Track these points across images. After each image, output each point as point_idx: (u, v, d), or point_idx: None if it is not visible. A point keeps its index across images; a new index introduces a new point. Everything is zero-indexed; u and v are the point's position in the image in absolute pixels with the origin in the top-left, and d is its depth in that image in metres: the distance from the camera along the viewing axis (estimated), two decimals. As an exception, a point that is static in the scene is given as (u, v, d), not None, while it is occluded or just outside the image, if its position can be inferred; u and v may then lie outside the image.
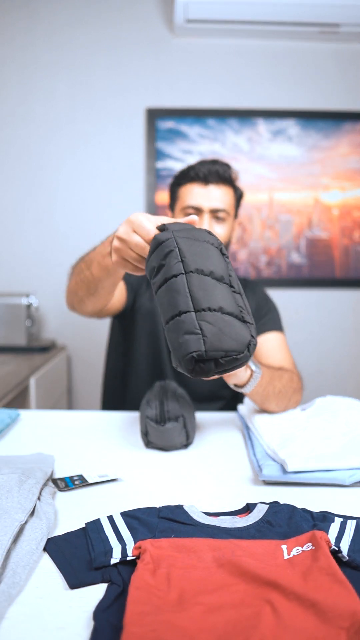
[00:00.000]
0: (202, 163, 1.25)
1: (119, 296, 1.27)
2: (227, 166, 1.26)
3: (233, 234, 1.35)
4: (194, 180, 1.25)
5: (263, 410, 1.07)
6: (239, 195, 1.32)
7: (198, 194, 1.23)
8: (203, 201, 1.23)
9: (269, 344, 1.29)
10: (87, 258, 1.01)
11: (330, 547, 0.58)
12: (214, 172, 1.23)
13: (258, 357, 1.31)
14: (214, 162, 1.25)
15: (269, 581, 0.51)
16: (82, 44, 2.44)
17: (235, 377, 0.94)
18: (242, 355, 0.60)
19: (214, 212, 1.24)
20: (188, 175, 1.26)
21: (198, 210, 1.24)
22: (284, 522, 0.64)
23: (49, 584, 0.55)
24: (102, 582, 0.55)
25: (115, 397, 1.48)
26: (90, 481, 0.79)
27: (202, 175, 1.23)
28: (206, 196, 1.23)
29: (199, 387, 1.31)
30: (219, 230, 1.26)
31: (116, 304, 1.27)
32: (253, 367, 0.96)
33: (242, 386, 0.96)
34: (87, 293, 1.05)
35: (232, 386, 0.97)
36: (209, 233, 0.71)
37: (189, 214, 1.24)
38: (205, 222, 1.23)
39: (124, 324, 1.40)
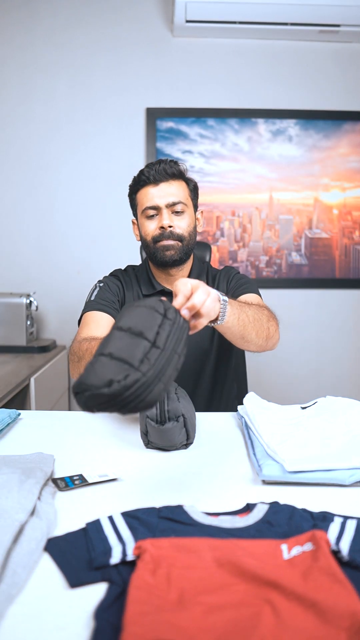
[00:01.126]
0: (149, 166, 1.32)
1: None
2: (173, 162, 1.32)
3: (198, 223, 1.39)
4: (145, 184, 1.31)
5: (245, 344, 1.13)
6: (192, 187, 1.37)
7: (152, 195, 1.30)
8: (158, 199, 1.29)
9: (244, 299, 1.32)
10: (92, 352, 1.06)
11: (330, 547, 0.58)
12: (161, 171, 1.29)
13: None
14: (160, 161, 1.31)
15: (269, 581, 0.51)
16: (82, 44, 2.44)
17: (209, 313, 0.90)
18: (99, 391, 0.63)
19: (171, 207, 1.29)
20: (140, 181, 1.32)
21: (156, 209, 1.29)
22: (284, 522, 0.64)
23: (49, 584, 0.55)
24: (102, 581, 0.55)
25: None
26: (90, 481, 0.79)
27: (152, 177, 1.30)
28: (160, 194, 1.29)
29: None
30: (181, 223, 1.31)
31: None
32: (220, 296, 0.95)
33: (217, 319, 0.95)
34: None
35: (211, 325, 0.97)
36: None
37: (149, 215, 1.31)
38: (165, 218, 1.28)
39: None
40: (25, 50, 2.43)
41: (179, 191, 1.30)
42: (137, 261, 1.68)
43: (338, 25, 2.31)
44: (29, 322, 2.23)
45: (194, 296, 0.80)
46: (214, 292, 0.87)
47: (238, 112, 2.49)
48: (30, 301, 2.24)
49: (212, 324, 0.97)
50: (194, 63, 2.48)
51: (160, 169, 1.29)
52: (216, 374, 1.40)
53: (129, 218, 2.50)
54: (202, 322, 0.82)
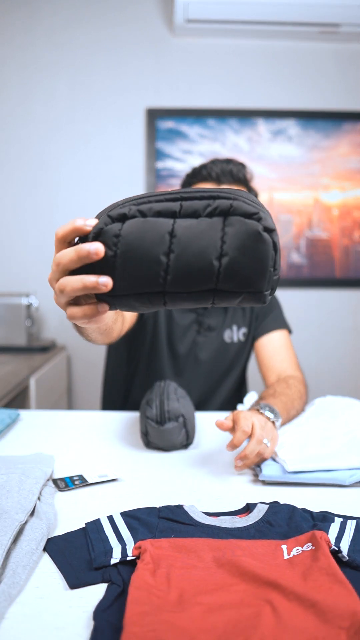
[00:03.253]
0: (215, 162, 1.21)
1: (130, 321, 1.18)
2: (241, 166, 1.22)
3: None
4: (206, 180, 1.21)
5: None
6: (254, 195, 1.29)
7: None
8: None
9: (273, 344, 1.30)
10: None
11: (330, 547, 0.58)
12: (228, 172, 1.19)
13: (263, 358, 1.30)
14: (228, 161, 1.21)
15: (269, 581, 0.51)
16: (82, 44, 2.44)
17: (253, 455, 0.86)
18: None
19: None
20: (200, 174, 1.22)
21: None
22: (284, 522, 0.64)
23: (49, 584, 0.55)
24: (102, 582, 0.55)
25: (115, 397, 1.48)
26: (90, 481, 0.79)
27: (215, 174, 1.19)
28: None
29: (193, 389, 1.31)
30: None
31: (127, 325, 1.16)
32: (272, 418, 0.91)
33: None
34: (89, 339, 0.99)
35: None
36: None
37: None
38: None
39: (131, 329, 1.38)
40: (25, 50, 2.43)
41: None
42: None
43: (338, 25, 2.31)
44: (29, 322, 2.23)
45: (249, 446, 0.81)
46: (270, 432, 0.86)
47: (238, 112, 2.49)
48: (31, 301, 2.24)
49: None
50: (194, 63, 2.48)
51: (227, 170, 1.18)
52: (236, 386, 1.40)
53: (129, 218, 2.52)
54: (247, 463, 0.83)
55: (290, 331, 1.36)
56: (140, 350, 1.36)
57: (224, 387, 1.37)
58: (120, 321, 0.97)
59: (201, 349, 1.33)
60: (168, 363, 1.35)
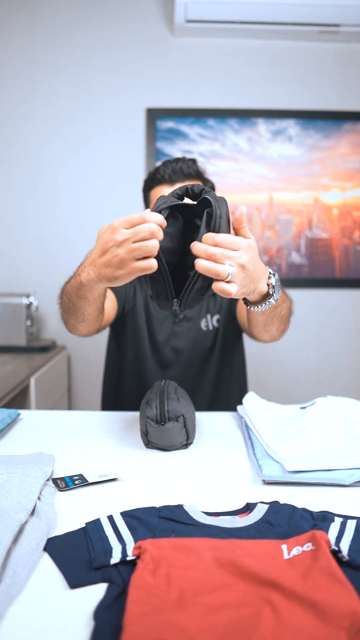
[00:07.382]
0: (166, 164, 1.27)
1: (110, 308, 1.30)
2: (191, 161, 1.27)
3: None
4: (160, 183, 1.27)
5: (260, 334, 1.08)
6: (210, 188, 1.32)
7: None
8: None
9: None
10: (66, 290, 1.01)
11: (330, 547, 0.58)
12: (178, 171, 1.25)
13: (243, 314, 1.31)
14: (178, 160, 1.26)
15: (269, 581, 0.51)
16: (82, 44, 2.44)
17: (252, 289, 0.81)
18: None
19: None
20: (155, 179, 1.28)
21: None
22: (284, 522, 0.64)
23: (49, 584, 0.55)
24: (102, 582, 0.55)
25: (114, 397, 1.48)
26: (90, 481, 0.79)
27: (167, 176, 1.25)
28: None
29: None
30: None
31: (109, 316, 1.30)
32: (272, 281, 0.85)
33: (265, 302, 0.88)
34: (76, 321, 1.06)
35: (251, 309, 0.90)
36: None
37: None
38: None
39: (116, 328, 1.42)
40: (25, 50, 2.43)
41: None
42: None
43: (338, 25, 2.31)
44: (29, 322, 2.23)
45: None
46: (262, 266, 0.80)
47: (238, 112, 2.49)
48: (31, 301, 2.24)
49: (254, 308, 0.89)
50: (194, 63, 2.48)
51: (177, 168, 1.24)
52: (218, 374, 1.41)
53: (129, 218, 2.52)
54: (230, 289, 0.71)
55: None
56: (125, 345, 1.39)
57: (207, 376, 1.38)
58: (101, 317, 1.10)
59: (179, 337, 1.39)
60: (150, 352, 1.36)
